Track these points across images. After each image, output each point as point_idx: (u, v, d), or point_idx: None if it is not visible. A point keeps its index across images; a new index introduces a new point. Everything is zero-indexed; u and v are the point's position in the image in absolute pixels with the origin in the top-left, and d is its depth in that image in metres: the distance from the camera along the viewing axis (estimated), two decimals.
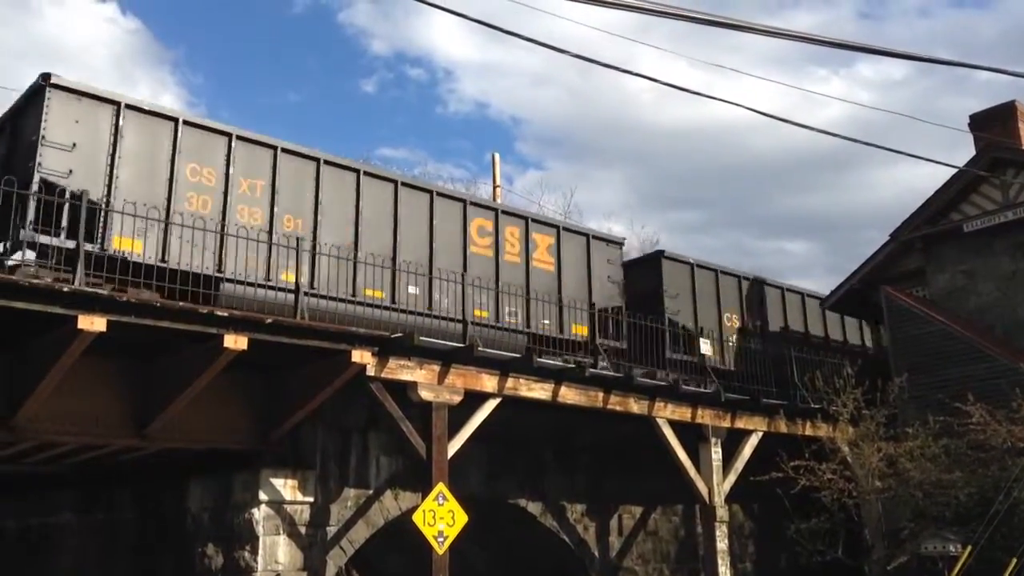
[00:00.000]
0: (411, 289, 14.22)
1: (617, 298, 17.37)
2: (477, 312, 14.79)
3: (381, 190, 14.70)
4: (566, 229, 17.21)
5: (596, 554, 17.12)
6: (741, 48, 70.98)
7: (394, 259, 14.35)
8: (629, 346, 16.50)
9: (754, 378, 17.60)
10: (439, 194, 15.48)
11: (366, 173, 14.66)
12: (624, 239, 19.09)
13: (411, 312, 13.93)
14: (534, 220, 16.76)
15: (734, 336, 19.23)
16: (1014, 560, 14.28)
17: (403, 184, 15.06)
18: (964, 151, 22.76)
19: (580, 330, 16.24)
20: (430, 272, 14.60)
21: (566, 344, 15.63)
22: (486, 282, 15.13)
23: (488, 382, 14.02)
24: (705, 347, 17.64)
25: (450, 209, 15.47)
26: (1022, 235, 18.86)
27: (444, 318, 14.17)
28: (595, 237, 17.53)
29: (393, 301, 14.04)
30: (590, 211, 75.03)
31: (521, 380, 14.42)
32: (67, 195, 11.39)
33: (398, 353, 13.02)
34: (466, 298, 14.43)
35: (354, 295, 13.74)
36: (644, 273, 18.65)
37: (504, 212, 16.49)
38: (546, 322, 15.78)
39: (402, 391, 13.25)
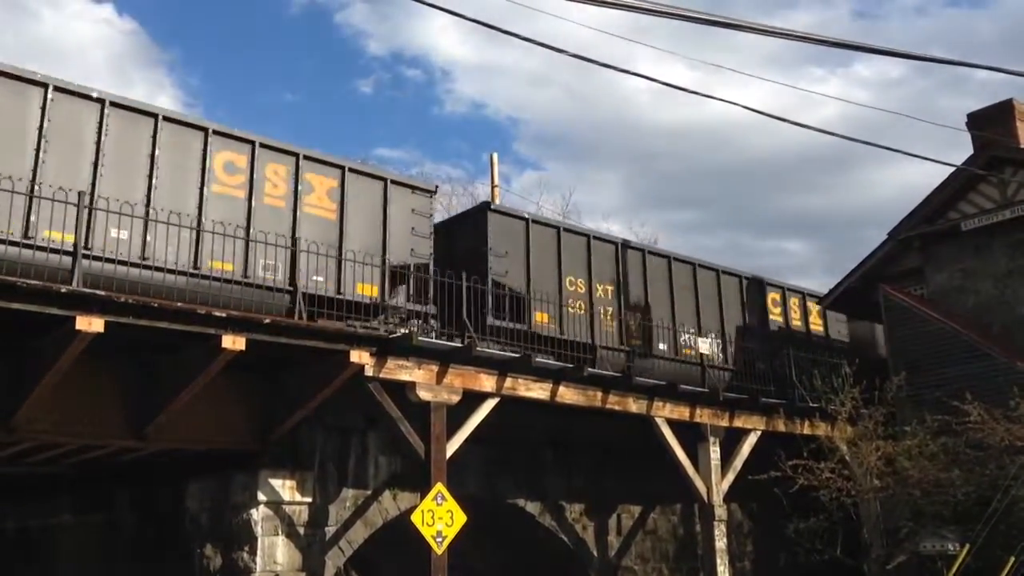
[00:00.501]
0: (117, 233, 11.64)
1: (425, 255, 14.88)
2: (217, 264, 12.32)
3: (80, 112, 11.99)
4: (355, 171, 14.55)
5: (595, 553, 17.14)
6: (738, 48, 71.01)
7: (92, 194, 11.68)
8: (442, 310, 14.26)
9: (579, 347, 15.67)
10: (168, 119, 12.72)
11: (59, 89, 11.87)
12: (436, 186, 16.24)
13: (111, 260, 11.46)
14: (309, 158, 13.93)
15: (580, 303, 16.71)
16: (1012, 558, 14.31)
17: (114, 104, 12.20)
18: (962, 150, 22.77)
19: (368, 290, 13.79)
20: (146, 213, 12.00)
21: (348, 306, 13.21)
22: (232, 228, 12.60)
23: (486, 382, 14.04)
24: (704, 346, 17.60)
25: (183, 139, 12.75)
26: (1020, 233, 18.87)
27: (161, 269, 11.76)
28: (396, 183, 15.00)
29: (88, 246, 11.31)
30: (589, 211, 75.15)
31: (520, 380, 14.44)
32: None
33: (396, 353, 13.04)
34: (201, 246, 12.27)
35: (27, 236, 11.11)
36: (469, 229, 16.29)
37: (265, 147, 13.49)
38: (319, 279, 13.21)
39: (400, 391, 13.26)
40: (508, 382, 14.27)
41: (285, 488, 13.24)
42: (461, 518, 12.70)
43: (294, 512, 13.30)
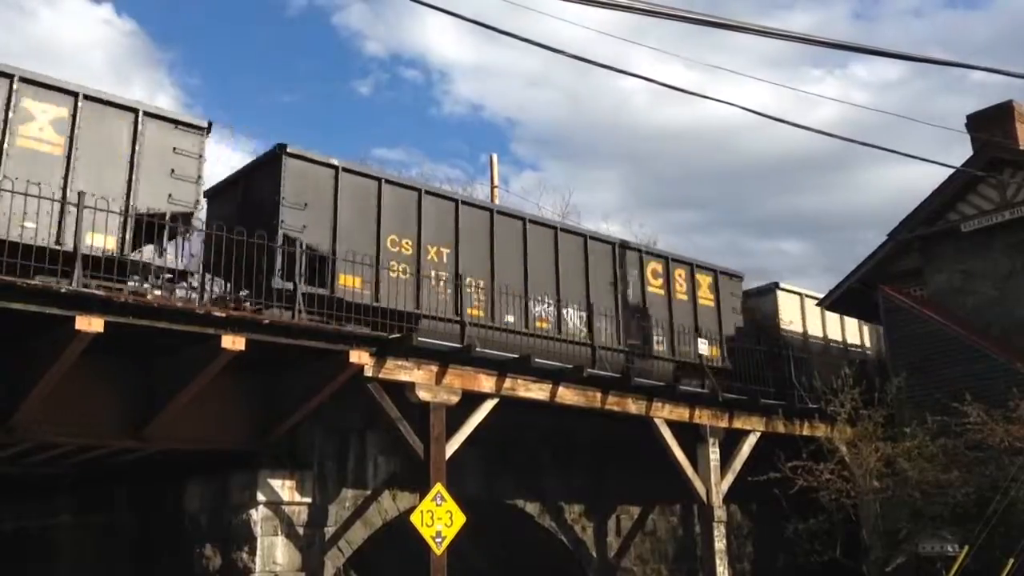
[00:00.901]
0: None
1: (189, 202, 12.59)
2: None
3: None
4: (93, 99, 12.15)
5: (594, 554, 17.13)
6: (736, 49, 71.11)
7: None
8: (222, 270, 12.49)
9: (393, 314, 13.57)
10: None
11: None
12: (209, 122, 13.04)
13: None
14: (28, 81, 11.60)
15: (402, 266, 14.31)
16: (1012, 560, 14.31)
17: None
18: (960, 151, 22.77)
19: (104, 241, 11.68)
20: None
21: (75, 259, 11.03)
22: None
23: (486, 382, 14.04)
24: (703, 347, 17.58)
25: None
26: (1020, 234, 18.88)
27: None
28: (152, 115, 12.61)
29: None
30: (588, 212, 75.14)
31: (519, 380, 14.44)
32: None
33: (396, 353, 13.05)
34: None
35: None
36: (263, 177, 13.98)
37: None
38: (29, 225, 10.88)
39: (400, 391, 13.27)
40: (507, 382, 14.28)
41: (284, 488, 13.25)
42: (460, 518, 12.70)
43: (293, 512, 13.31)
